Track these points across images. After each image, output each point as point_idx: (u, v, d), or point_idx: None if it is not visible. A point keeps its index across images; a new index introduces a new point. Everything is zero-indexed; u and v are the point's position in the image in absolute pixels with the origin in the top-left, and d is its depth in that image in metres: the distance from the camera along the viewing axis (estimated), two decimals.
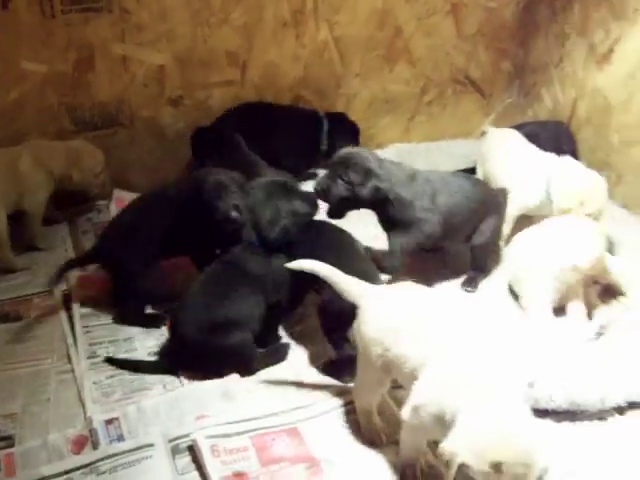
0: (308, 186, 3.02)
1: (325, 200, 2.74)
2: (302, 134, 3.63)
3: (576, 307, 2.76)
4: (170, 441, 2.17)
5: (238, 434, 2.18)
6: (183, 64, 3.48)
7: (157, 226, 2.75)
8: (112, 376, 2.48)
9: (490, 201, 2.99)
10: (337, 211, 2.79)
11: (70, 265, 2.83)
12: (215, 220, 2.63)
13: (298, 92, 3.72)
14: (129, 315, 2.77)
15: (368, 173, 2.69)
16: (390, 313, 2.06)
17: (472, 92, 4.08)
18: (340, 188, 2.71)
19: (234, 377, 2.45)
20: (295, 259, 2.29)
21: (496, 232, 3.01)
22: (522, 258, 2.84)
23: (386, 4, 3.70)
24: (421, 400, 1.88)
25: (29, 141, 3.20)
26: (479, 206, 2.92)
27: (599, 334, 2.67)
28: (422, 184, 2.79)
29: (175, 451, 2.15)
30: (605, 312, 2.78)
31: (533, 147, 3.26)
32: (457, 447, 1.71)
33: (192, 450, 2.13)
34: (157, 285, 2.84)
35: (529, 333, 2.63)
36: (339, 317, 2.35)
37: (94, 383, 2.44)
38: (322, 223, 2.72)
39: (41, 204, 3.20)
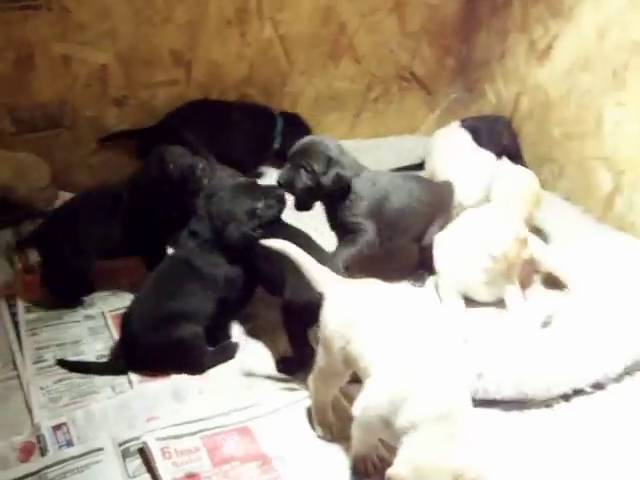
0: None
1: (291, 192, 2.71)
2: (256, 131, 3.62)
3: (512, 295, 2.79)
4: (120, 444, 2.14)
5: (189, 435, 2.16)
6: (126, 63, 3.43)
7: (96, 221, 2.77)
8: (60, 380, 2.44)
9: (439, 202, 3.00)
10: (304, 202, 2.76)
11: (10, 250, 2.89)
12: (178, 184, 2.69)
13: (244, 91, 3.70)
14: (59, 295, 2.80)
15: (330, 161, 2.68)
16: (352, 306, 2.07)
17: (417, 88, 4.12)
18: (304, 178, 2.68)
19: (184, 377, 2.43)
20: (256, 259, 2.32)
21: None
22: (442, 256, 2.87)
23: (329, 1, 3.71)
24: (369, 401, 1.90)
25: None
26: (428, 209, 2.94)
27: (545, 323, 2.73)
28: (370, 184, 2.78)
29: (125, 454, 2.12)
30: (550, 302, 2.82)
31: (475, 146, 3.32)
32: (403, 474, 1.72)
33: (143, 453, 2.11)
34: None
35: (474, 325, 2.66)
36: (302, 315, 2.35)
37: (41, 389, 2.40)
38: (283, 225, 2.67)
39: None
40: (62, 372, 2.47)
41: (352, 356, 2.02)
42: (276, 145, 3.67)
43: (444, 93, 4.17)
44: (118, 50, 3.39)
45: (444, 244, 2.86)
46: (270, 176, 3.52)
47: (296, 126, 3.70)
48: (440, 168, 3.29)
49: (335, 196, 2.73)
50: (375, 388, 1.90)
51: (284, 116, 3.71)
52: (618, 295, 2.79)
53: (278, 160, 3.59)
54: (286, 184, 2.70)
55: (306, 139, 2.79)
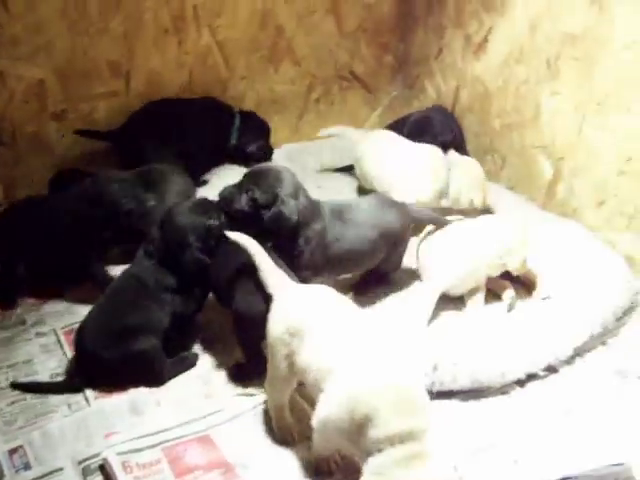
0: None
1: (227, 208, 2.59)
2: (213, 127, 3.64)
3: (478, 298, 2.82)
4: (80, 463, 2.12)
5: (149, 447, 2.16)
6: (64, 77, 3.38)
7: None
8: (13, 402, 2.40)
9: (393, 231, 2.80)
10: (235, 225, 2.54)
11: None
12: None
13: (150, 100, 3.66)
14: None
15: (276, 198, 2.51)
16: (298, 315, 2.07)
17: (358, 87, 4.15)
18: (243, 201, 2.54)
19: (141, 391, 2.41)
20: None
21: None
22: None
23: (266, 5, 3.71)
24: (329, 416, 1.89)
25: None
26: (381, 242, 2.76)
27: (509, 309, 2.80)
28: (319, 236, 2.62)
29: (86, 472, 2.10)
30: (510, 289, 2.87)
31: (409, 142, 3.38)
32: None
33: (104, 469, 2.09)
34: None
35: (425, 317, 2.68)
36: (252, 327, 2.33)
37: None
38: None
39: None
40: (15, 394, 2.43)
41: (298, 367, 2.02)
42: (233, 142, 3.69)
43: (385, 91, 4.21)
44: (55, 64, 3.34)
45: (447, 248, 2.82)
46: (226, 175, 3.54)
47: (253, 124, 3.74)
48: (379, 172, 3.32)
49: (279, 237, 2.54)
50: (334, 404, 1.87)
51: (242, 114, 3.72)
52: (565, 280, 2.87)
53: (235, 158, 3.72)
54: (224, 200, 2.59)
55: (268, 166, 2.68)
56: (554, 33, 3.15)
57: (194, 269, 2.53)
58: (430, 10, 3.91)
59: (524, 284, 2.91)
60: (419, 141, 3.44)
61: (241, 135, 3.70)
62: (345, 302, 2.15)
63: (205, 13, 3.58)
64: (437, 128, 3.57)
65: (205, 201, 2.69)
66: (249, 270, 2.31)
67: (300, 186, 2.62)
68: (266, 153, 3.79)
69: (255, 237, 2.37)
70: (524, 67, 3.37)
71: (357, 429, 1.80)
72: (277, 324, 2.09)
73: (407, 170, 3.25)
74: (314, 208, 2.64)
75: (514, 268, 2.77)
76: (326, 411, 1.89)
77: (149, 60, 3.54)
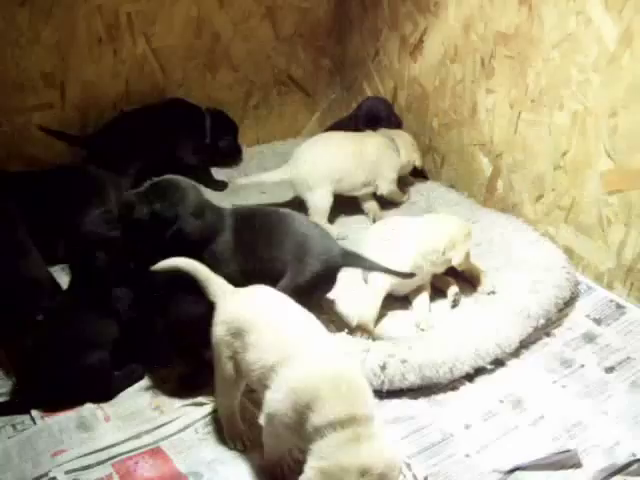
0: None
1: (125, 215, 2.52)
2: (191, 129, 3.65)
3: (423, 297, 2.85)
4: None
5: (99, 464, 2.12)
6: None
7: None
8: None
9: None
10: (131, 234, 2.52)
11: None
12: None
13: (122, 108, 3.62)
14: None
15: (176, 215, 2.47)
16: (239, 315, 2.08)
17: (296, 92, 4.15)
18: (144, 212, 2.48)
19: (89, 407, 2.36)
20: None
21: None
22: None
23: (201, 12, 3.68)
24: (274, 411, 1.91)
25: None
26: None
27: (453, 305, 2.84)
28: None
29: None
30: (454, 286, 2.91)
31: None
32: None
33: None
34: None
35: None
36: (193, 330, 2.32)
37: None
38: None
39: None
40: None
41: (243, 367, 2.03)
42: (207, 141, 3.69)
43: (323, 94, 4.22)
44: None
45: (383, 242, 2.84)
46: None
47: (223, 122, 3.74)
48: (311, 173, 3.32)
49: (181, 252, 2.37)
50: (278, 398, 1.89)
51: (210, 112, 3.71)
52: (507, 273, 2.92)
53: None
54: (124, 206, 2.54)
55: (174, 180, 2.57)
56: (487, 33, 3.21)
57: (101, 281, 2.51)
58: (365, 13, 3.94)
59: (467, 280, 2.95)
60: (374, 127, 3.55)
61: (213, 134, 3.69)
62: (285, 300, 2.16)
63: (139, 21, 3.53)
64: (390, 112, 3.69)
65: (109, 210, 2.68)
66: (183, 279, 2.28)
67: (205, 203, 2.58)
68: (236, 150, 3.81)
69: (154, 250, 2.38)
70: (460, 66, 3.42)
71: (300, 418, 1.82)
72: (218, 326, 2.11)
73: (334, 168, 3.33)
74: (220, 221, 2.58)
75: (458, 262, 2.79)
76: (271, 406, 1.91)
77: (84, 70, 3.47)
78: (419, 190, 3.57)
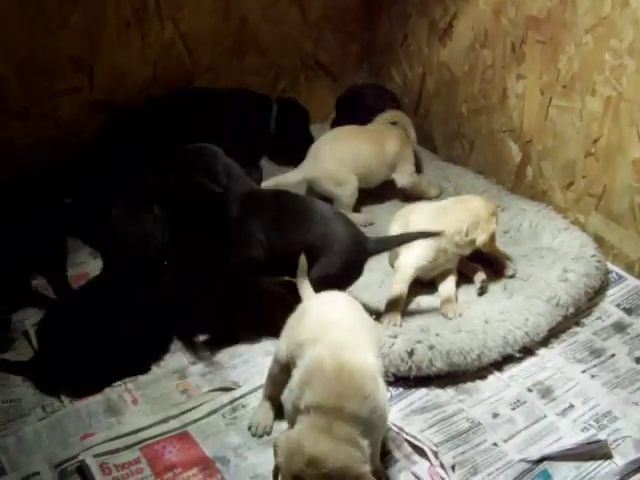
0: None
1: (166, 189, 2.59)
2: (251, 117, 3.58)
3: (447, 282, 2.81)
4: (56, 466, 2.08)
5: (127, 448, 2.13)
6: (24, 74, 3.29)
7: None
8: None
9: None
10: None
11: None
12: None
13: (150, 93, 3.61)
14: None
15: (214, 173, 2.53)
16: (307, 308, 2.17)
17: (323, 77, 4.11)
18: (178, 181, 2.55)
19: (117, 389, 2.38)
20: None
21: None
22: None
23: None
24: (288, 389, 1.95)
25: None
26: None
27: (480, 292, 2.80)
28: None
29: (63, 475, 2.07)
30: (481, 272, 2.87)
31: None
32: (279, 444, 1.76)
33: (81, 471, 2.06)
34: None
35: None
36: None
37: None
38: None
39: None
40: None
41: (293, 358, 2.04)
42: (271, 130, 3.65)
43: (351, 79, 4.17)
44: (14, 60, 3.25)
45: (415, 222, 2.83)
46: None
47: (292, 111, 3.69)
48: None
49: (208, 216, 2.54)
50: (293, 377, 1.93)
51: (280, 101, 3.68)
52: (537, 261, 2.89)
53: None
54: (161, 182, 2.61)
55: (200, 145, 2.63)
56: (518, 17, 3.16)
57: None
58: None
59: (494, 267, 2.91)
60: (351, 114, 3.58)
61: (280, 124, 3.64)
62: (356, 306, 2.17)
63: (168, 5, 3.52)
64: (369, 100, 3.64)
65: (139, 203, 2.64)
66: None
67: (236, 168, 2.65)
68: (307, 140, 3.65)
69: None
70: (490, 51, 3.37)
71: (300, 395, 1.83)
72: (292, 317, 2.17)
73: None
74: (254, 195, 2.63)
75: (482, 242, 2.75)
76: (289, 385, 1.94)
77: (112, 54, 3.47)
78: (447, 176, 3.53)
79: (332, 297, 2.19)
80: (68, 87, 3.44)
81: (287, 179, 3.30)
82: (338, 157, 3.28)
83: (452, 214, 2.79)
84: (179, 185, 2.55)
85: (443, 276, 2.82)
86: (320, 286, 2.27)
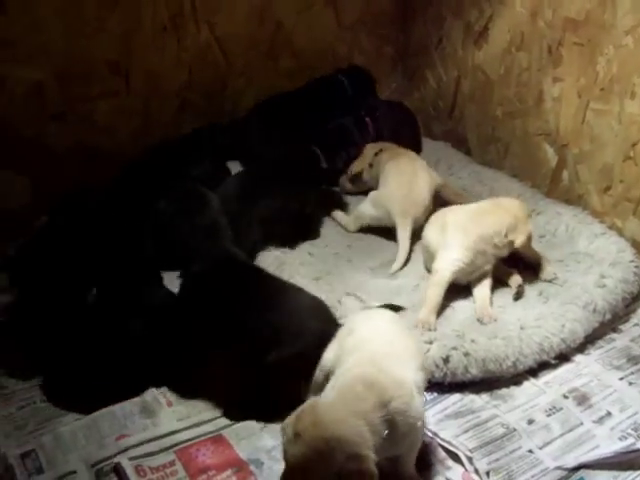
0: None
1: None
2: (329, 97, 3.75)
3: (482, 287, 2.78)
4: (92, 466, 2.10)
5: (162, 450, 2.14)
6: (62, 78, 3.34)
7: None
8: (23, 407, 2.37)
9: None
10: None
11: None
12: None
13: (185, 96, 3.66)
14: None
15: None
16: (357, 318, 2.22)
17: None
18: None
19: (151, 391, 2.39)
20: None
21: None
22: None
23: (264, 0, 3.68)
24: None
25: None
26: None
27: (516, 297, 2.77)
28: None
29: (99, 475, 2.08)
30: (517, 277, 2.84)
31: None
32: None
33: (117, 472, 2.08)
34: None
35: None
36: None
37: (5, 417, 2.33)
38: None
39: None
40: (25, 398, 2.41)
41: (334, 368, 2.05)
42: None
43: (385, 82, 4.17)
44: (53, 65, 3.30)
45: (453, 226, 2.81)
46: None
47: (359, 77, 3.83)
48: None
49: None
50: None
51: (343, 72, 3.82)
52: (573, 266, 2.86)
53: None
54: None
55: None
56: (556, 19, 3.12)
57: None
58: (429, 0, 3.88)
59: (529, 269, 2.89)
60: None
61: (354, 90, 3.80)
62: (400, 324, 2.19)
63: (203, 9, 3.55)
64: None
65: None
66: None
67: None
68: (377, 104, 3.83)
69: None
70: (526, 54, 3.34)
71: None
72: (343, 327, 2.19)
73: None
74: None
75: (521, 244, 2.73)
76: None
77: (148, 58, 3.51)
78: (482, 180, 3.51)
79: (379, 312, 2.25)
80: (104, 91, 3.48)
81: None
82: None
83: (490, 215, 2.77)
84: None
85: (478, 280, 2.79)
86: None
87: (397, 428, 1.81)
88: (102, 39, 3.38)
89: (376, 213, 3.19)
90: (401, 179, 3.21)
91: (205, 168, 3.34)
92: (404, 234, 3.04)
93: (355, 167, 3.51)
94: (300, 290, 2.50)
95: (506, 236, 2.72)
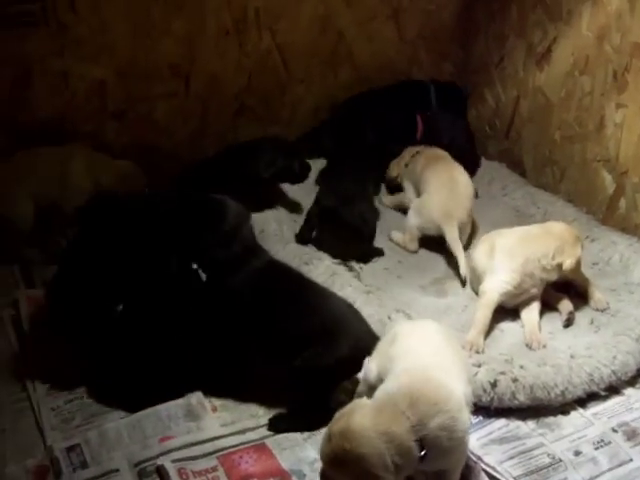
0: None
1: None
2: (413, 106, 3.77)
3: (530, 310, 2.75)
4: (135, 465, 2.12)
5: (204, 455, 2.15)
6: (125, 77, 3.40)
7: None
8: (71, 401, 2.41)
9: None
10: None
11: None
12: None
13: (243, 101, 3.68)
14: None
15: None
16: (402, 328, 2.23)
17: None
18: None
19: (197, 394, 2.40)
20: None
21: None
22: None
23: (327, 10, 3.69)
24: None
25: (76, 144, 3.26)
26: None
27: (567, 324, 2.73)
28: None
29: (142, 475, 2.10)
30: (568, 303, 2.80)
31: None
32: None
33: (160, 472, 2.09)
34: None
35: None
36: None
37: (52, 409, 2.37)
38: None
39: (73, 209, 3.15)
40: (73, 392, 2.44)
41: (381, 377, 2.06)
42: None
43: None
44: (116, 64, 3.37)
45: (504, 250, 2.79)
46: None
47: (449, 92, 3.87)
48: None
49: None
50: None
51: (435, 84, 3.84)
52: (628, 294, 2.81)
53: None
54: None
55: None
56: (623, 44, 3.07)
57: None
58: (492, 18, 3.85)
59: (579, 297, 2.85)
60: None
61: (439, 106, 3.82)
62: (445, 332, 2.18)
63: (266, 16, 3.57)
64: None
65: None
66: None
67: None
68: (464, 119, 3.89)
69: None
70: (589, 78, 3.29)
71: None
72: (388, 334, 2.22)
73: None
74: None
75: (570, 267, 2.69)
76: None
77: (209, 62, 3.54)
78: (536, 202, 3.47)
79: (423, 323, 2.23)
80: (165, 92, 3.53)
81: None
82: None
83: (538, 238, 2.76)
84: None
85: (526, 304, 2.76)
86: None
87: (440, 444, 1.80)
88: (166, 42, 3.43)
89: (420, 221, 3.19)
90: (441, 183, 3.23)
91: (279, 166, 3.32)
92: (453, 237, 3.05)
93: (391, 169, 3.57)
94: (334, 295, 2.50)
95: (554, 258, 2.69)
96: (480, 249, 2.89)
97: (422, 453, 1.76)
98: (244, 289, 2.37)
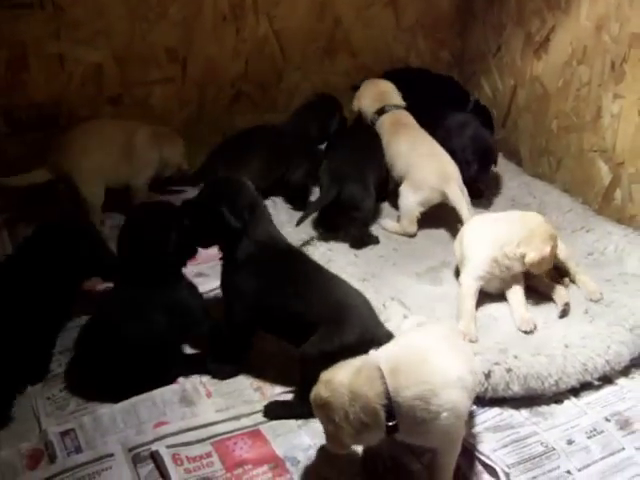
0: None
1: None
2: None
3: (517, 293, 2.76)
4: (130, 450, 2.12)
5: (199, 441, 2.16)
6: (121, 61, 3.39)
7: None
8: (65, 388, 2.41)
9: None
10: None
11: None
12: None
13: (240, 87, 3.67)
14: None
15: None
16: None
17: None
18: None
19: (192, 380, 2.41)
20: None
21: None
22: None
23: None
24: None
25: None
26: None
27: (562, 315, 2.73)
28: None
29: (136, 460, 2.11)
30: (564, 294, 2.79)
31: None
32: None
33: (155, 458, 2.09)
34: None
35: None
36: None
37: (48, 399, 2.37)
38: None
39: (145, 184, 3.27)
40: (67, 381, 2.44)
41: None
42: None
43: None
44: (113, 48, 3.35)
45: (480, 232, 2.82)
46: None
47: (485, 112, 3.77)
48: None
49: None
50: None
51: (475, 103, 3.77)
52: (621, 287, 2.81)
53: None
54: None
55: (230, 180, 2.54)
56: (622, 34, 3.06)
57: None
58: (490, 6, 3.84)
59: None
60: None
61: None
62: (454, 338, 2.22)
63: (264, 2, 3.56)
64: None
65: None
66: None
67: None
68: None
69: None
70: (587, 68, 3.29)
71: None
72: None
73: None
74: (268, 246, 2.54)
75: (532, 261, 2.65)
76: None
77: (206, 47, 3.53)
78: (532, 192, 3.47)
79: (432, 326, 2.29)
80: (161, 77, 3.52)
81: None
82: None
83: (506, 224, 2.77)
84: (200, 211, 2.47)
85: (509, 286, 2.77)
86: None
87: (414, 413, 1.87)
88: (162, 25, 3.41)
89: (420, 196, 3.20)
90: (423, 152, 3.26)
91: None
92: (456, 195, 3.12)
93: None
94: (348, 284, 2.47)
95: (518, 247, 2.67)
96: (456, 242, 2.92)
97: (395, 422, 1.86)
98: (260, 269, 2.39)
